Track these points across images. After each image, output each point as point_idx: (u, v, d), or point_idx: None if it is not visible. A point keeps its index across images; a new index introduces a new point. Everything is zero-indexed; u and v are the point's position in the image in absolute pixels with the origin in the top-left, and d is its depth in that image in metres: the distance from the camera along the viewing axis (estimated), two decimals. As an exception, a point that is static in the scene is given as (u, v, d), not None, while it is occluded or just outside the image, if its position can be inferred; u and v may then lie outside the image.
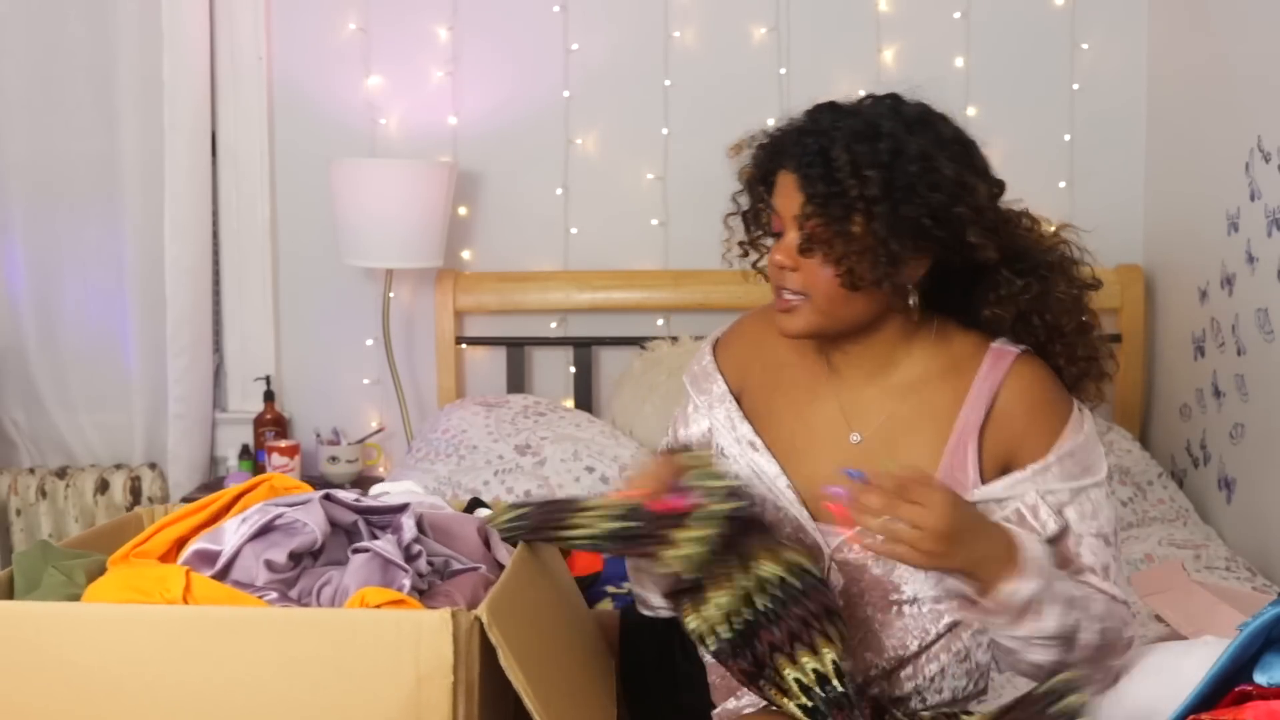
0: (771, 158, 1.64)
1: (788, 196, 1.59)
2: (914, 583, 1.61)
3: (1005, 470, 1.60)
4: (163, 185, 3.27)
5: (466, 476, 2.92)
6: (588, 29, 3.36)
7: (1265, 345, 2.66)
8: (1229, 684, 1.32)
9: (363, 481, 3.30)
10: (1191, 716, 1.31)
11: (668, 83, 3.29)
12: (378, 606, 1.31)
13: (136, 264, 3.37)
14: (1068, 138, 3.35)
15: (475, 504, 1.79)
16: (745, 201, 1.70)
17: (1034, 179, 3.36)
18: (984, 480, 1.59)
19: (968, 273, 1.63)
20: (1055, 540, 1.57)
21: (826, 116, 1.62)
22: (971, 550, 1.46)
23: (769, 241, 1.68)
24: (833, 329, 1.62)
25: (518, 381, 3.37)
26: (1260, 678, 1.30)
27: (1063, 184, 3.36)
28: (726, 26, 3.34)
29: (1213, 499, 2.91)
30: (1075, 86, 3.34)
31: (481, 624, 1.27)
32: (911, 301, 1.61)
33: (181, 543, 1.47)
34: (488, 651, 1.28)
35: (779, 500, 1.65)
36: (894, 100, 1.67)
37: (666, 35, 3.34)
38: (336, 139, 3.35)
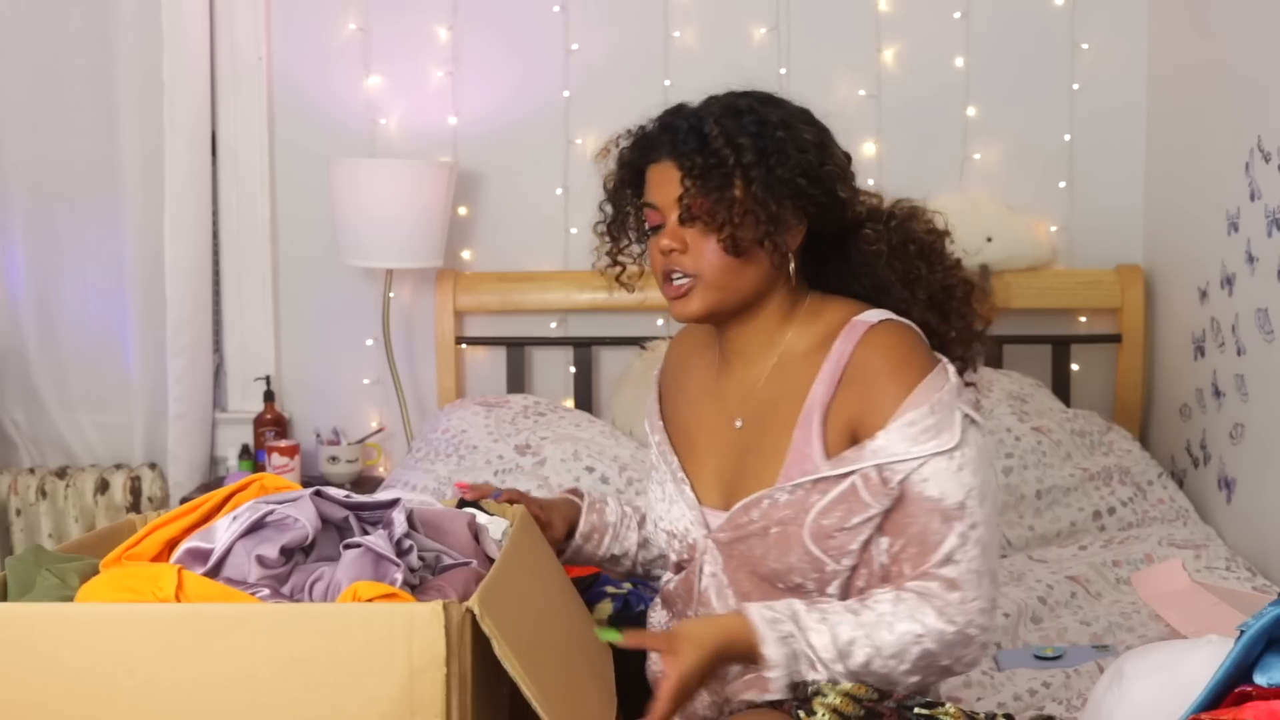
0: (639, 155, 1.71)
1: (663, 184, 1.66)
2: (784, 559, 1.63)
3: (853, 444, 1.61)
4: (163, 185, 3.27)
5: (466, 476, 2.92)
6: (588, 29, 3.36)
7: (1265, 345, 2.66)
8: (1231, 688, 1.32)
9: (363, 482, 3.31)
10: (1192, 717, 1.31)
11: (668, 83, 3.28)
12: (370, 600, 1.31)
13: (136, 264, 3.37)
14: (1068, 138, 3.35)
15: (465, 502, 1.80)
16: (610, 211, 1.76)
17: (1034, 179, 3.37)
18: (830, 454, 1.61)
19: (837, 243, 1.70)
20: (891, 511, 1.58)
21: (687, 108, 1.71)
22: (724, 660, 1.55)
23: (636, 249, 1.77)
24: (727, 305, 1.67)
25: (518, 381, 3.37)
26: (1260, 678, 1.30)
27: (1063, 184, 3.36)
28: (726, 26, 3.34)
29: (1213, 499, 2.90)
30: (1075, 86, 3.34)
31: (474, 616, 1.27)
32: (791, 268, 1.67)
33: (173, 544, 1.47)
34: (480, 644, 1.28)
35: (681, 490, 1.75)
36: (737, 91, 1.73)
37: (666, 35, 3.34)
38: (336, 139, 3.36)
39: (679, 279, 1.66)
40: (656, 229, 1.68)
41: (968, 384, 1.71)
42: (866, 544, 1.61)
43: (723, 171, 1.61)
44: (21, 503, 3.33)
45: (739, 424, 1.72)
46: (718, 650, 1.52)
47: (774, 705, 1.55)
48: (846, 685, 1.53)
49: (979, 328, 1.76)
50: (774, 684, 1.53)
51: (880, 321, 1.65)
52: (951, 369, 1.63)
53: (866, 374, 1.61)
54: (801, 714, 1.51)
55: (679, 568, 1.78)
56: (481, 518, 1.67)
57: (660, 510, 1.80)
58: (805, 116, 1.70)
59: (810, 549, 1.61)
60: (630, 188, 1.73)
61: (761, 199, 1.61)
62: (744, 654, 1.54)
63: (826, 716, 1.50)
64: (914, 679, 1.56)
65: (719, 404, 1.76)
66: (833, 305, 1.70)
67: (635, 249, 1.78)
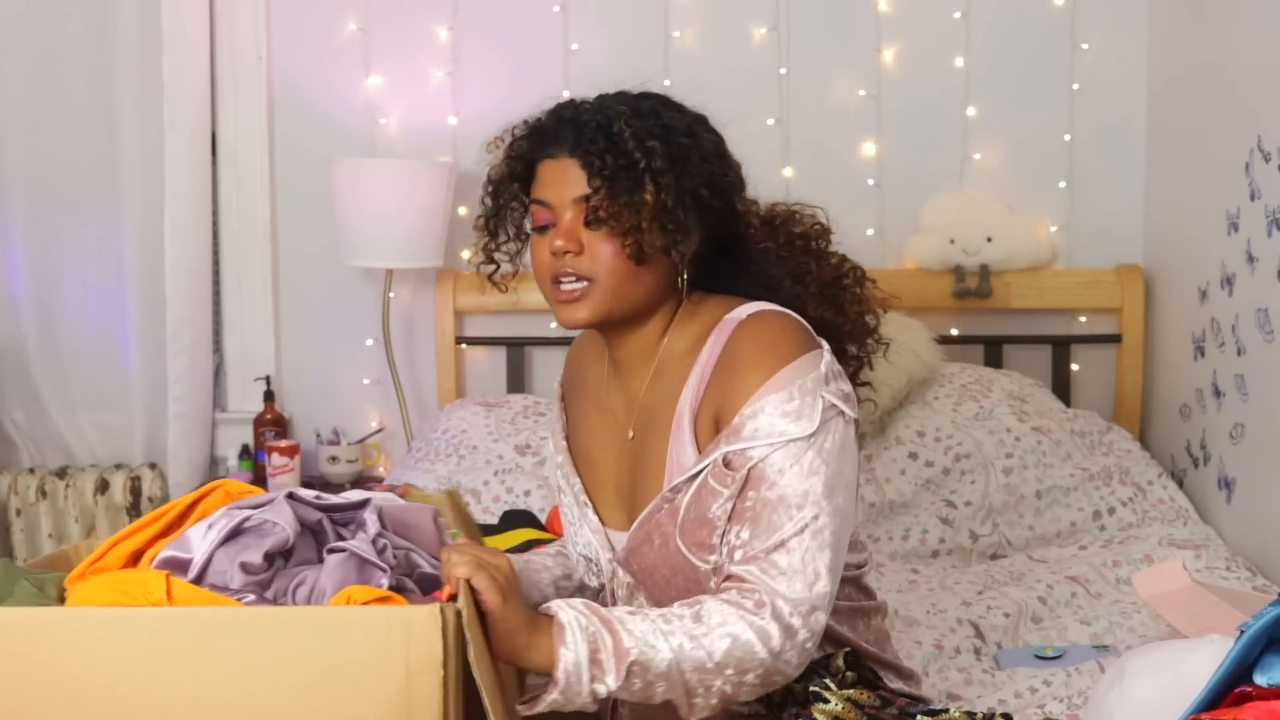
0: (533, 149, 1.63)
1: (560, 182, 1.58)
2: (666, 572, 1.57)
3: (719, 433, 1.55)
4: (163, 185, 3.27)
5: (466, 476, 2.92)
6: (588, 29, 3.36)
7: (1265, 345, 2.66)
8: (1231, 687, 1.32)
9: (363, 482, 3.30)
10: (1192, 717, 1.32)
11: (668, 83, 3.27)
12: (364, 604, 1.31)
13: (136, 264, 3.37)
14: (1068, 138, 3.35)
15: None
16: (489, 204, 1.68)
17: (1034, 179, 3.37)
18: (701, 452, 1.56)
19: (724, 245, 1.66)
20: (737, 498, 1.50)
21: (586, 104, 1.64)
22: (520, 623, 1.39)
23: (512, 248, 1.68)
24: (619, 311, 1.59)
25: (518, 381, 3.37)
26: (1260, 678, 1.30)
27: (1063, 184, 3.36)
28: (726, 26, 3.34)
29: (1213, 499, 2.90)
30: (1075, 86, 3.34)
31: (459, 617, 1.27)
32: (682, 278, 1.61)
33: (137, 556, 1.45)
34: (461, 645, 1.28)
35: (585, 515, 1.69)
36: (632, 92, 1.67)
37: (666, 35, 3.34)
38: (336, 139, 3.36)
39: (570, 283, 1.57)
40: (543, 228, 1.60)
41: (863, 383, 1.68)
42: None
43: (632, 175, 1.54)
44: (21, 503, 3.33)
45: (631, 435, 1.66)
46: (526, 623, 1.39)
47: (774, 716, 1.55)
48: (849, 691, 1.52)
49: (872, 321, 1.71)
50: (560, 668, 1.37)
51: (751, 314, 1.59)
52: (828, 357, 1.55)
53: (731, 363, 1.55)
54: None
55: (596, 591, 1.72)
56: None
57: (571, 534, 1.73)
58: (705, 123, 1.64)
59: (682, 551, 1.54)
60: (518, 182, 1.65)
61: (671, 207, 1.54)
62: (542, 640, 1.40)
63: None
64: (729, 675, 1.43)
65: (610, 417, 1.69)
66: (709, 304, 1.64)
67: (512, 247, 1.69)
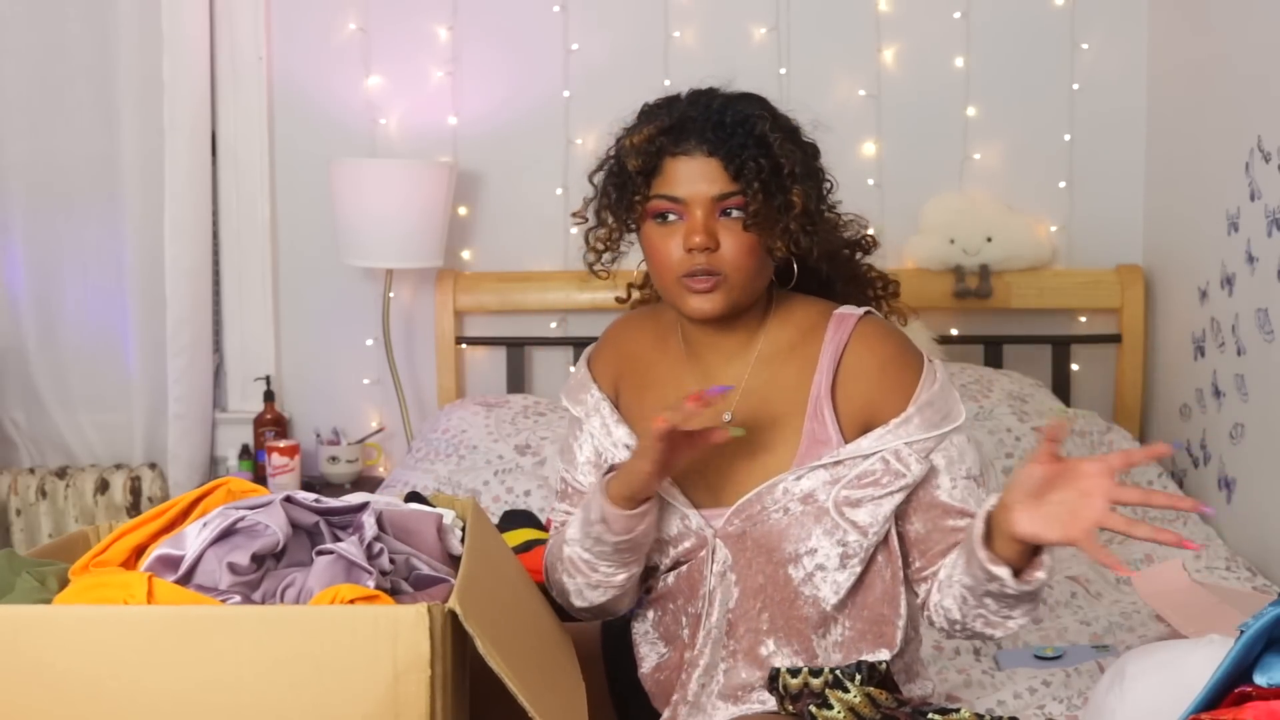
0: (675, 143, 1.64)
1: (696, 179, 1.63)
2: (805, 540, 1.64)
3: (867, 427, 1.65)
4: (163, 185, 3.27)
5: (466, 476, 2.92)
6: (588, 29, 3.36)
7: (1265, 345, 2.66)
8: (1231, 687, 1.32)
9: (363, 481, 3.31)
10: (1192, 717, 1.32)
11: (668, 83, 3.27)
12: (352, 602, 1.31)
13: (136, 264, 3.37)
14: (1068, 138, 3.35)
15: (412, 497, 1.78)
16: (614, 195, 1.70)
17: (1034, 179, 3.37)
18: (846, 438, 1.65)
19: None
20: (923, 484, 1.64)
21: (715, 99, 1.67)
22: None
23: (614, 236, 1.73)
24: (743, 302, 1.67)
25: (518, 381, 3.37)
26: (1260, 678, 1.30)
27: (1063, 184, 3.36)
28: (726, 26, 3.34)
29: (1213, 499, 2.90)
30: (1075, 86, 3.34)
31: (453, 617, 1.26)
32: (793, 272, 1.71)
33: (140, 550, 1.46)
34: (454, 644, 1.28)
35: (672, 494, 1.70)
36: (733, 91, 1.72)
37: (666, 35, 3.34)
38: (336, 139, 3.36)
39: (703, 275, 1.63)
40: (663, 220, 1.64)
41: None
42: (886, 529, 1.64)
43: (778, 179, 1.62)
44: (21, 503, 3.33)
45: (728, 418, 1.69)
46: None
47: (789, 711, 1.56)
48: (870, 689, 1.53)
49: (901, 325, 1.82)
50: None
51: (867, 313, 1.71)
52: (925, 354, 1.70)
53: (873, 363, 1.66)
54: (814, 709, 1.52)
55: (668, 568, 1.74)
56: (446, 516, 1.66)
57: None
58: (800, 130, 1.72)
59: (838, 522, 1.62)
60: (642, 175, 1.66)
61: (813, 210, 1.65)
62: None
63: (843, 714, 1.50)
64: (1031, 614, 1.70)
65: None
66: (799, 302, 1.74)
67: (615, 236, 1.73)
